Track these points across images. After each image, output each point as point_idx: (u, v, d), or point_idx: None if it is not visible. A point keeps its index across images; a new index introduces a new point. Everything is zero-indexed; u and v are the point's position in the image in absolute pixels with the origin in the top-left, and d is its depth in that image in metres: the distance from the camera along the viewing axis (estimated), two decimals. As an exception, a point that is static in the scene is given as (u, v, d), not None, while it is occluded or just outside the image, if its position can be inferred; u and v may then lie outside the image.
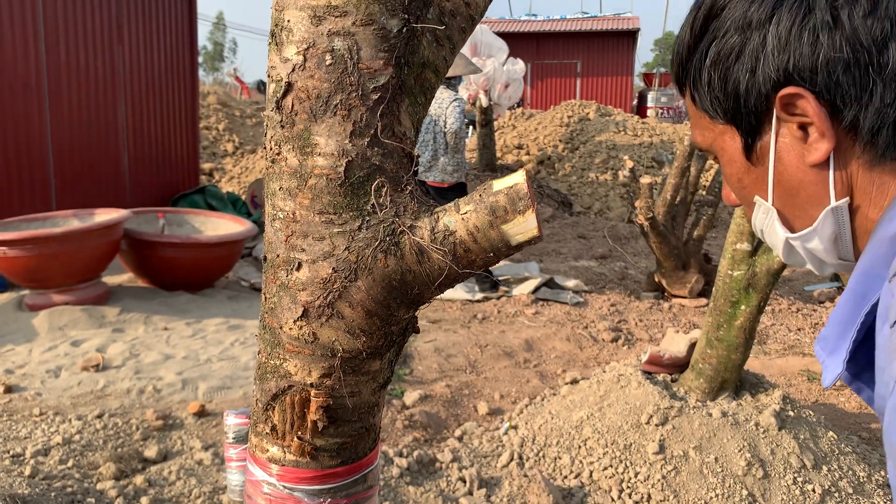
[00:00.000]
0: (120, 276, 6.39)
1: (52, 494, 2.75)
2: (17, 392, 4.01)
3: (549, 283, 6.89)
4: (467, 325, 5.94)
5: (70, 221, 5.68)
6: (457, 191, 6.52)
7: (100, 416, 3.63)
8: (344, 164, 0.83)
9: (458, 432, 3.89)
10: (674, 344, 4.00)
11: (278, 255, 0.86)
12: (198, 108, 10.41)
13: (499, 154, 13.23)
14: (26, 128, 6.80)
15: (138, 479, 3.02)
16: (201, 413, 3.87)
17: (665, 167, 10.53)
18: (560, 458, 3.49)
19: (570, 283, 7.03)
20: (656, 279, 7.06)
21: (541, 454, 3.54)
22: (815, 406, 4.60)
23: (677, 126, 15.53)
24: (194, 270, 5.89)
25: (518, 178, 0.83)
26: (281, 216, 0.85)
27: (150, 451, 3.32)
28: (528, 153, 13.46)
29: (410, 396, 4.26)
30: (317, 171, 0.83)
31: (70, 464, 3.11)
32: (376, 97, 0.83)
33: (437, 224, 0.83)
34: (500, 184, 0.83)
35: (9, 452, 3.18)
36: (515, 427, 3.82)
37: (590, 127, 14.00)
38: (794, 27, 0.75)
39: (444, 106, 6.44)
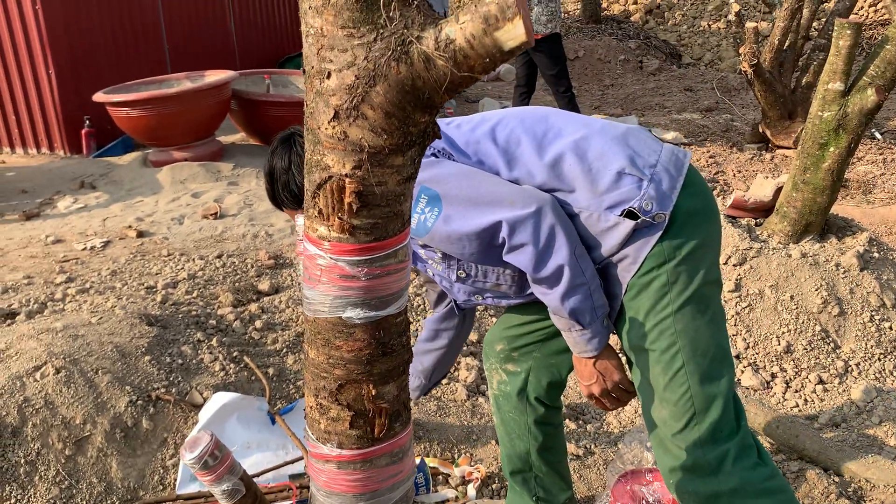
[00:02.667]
0: (233, 136, 6.81)
1: (180, 316, 3.18)
2: (148, 237, 4.50)
3: (647, 136, 6.81)
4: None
5: (183, 83, 6.06)
6: (551, 42, 6.43)
7: (219, 257, 4.05)
8: (358, -18, 0.97)
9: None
10: (761, 189, 4.00)
11: (312, 67, 1.03)
12: (298, -32, 10.46)
13: (605, 3, 12.69)
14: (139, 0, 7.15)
15: (253, 307, 3.43)
16: (307, 255, 4.24)
17: (776, 10, 9.85)
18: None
19: (668, 135, 6.92)
20: (761, 129, 6.85)
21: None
22: (915, 253, 4.51)
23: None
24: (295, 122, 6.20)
25: (507, -11, 0.95)
26: (312, 32, 1.01)
27: (263, 285, 3.72)
28: (635, 2, 12.82)
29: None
30: (336, -11, 0.98)
31: (195, 294, 3.55)
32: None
33: (440, 34, 0.97)
34: (492, -6, 0.96)
35: (143, 285, 3.65)
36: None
37: (704, -29, 13.10)
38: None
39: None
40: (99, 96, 5.65)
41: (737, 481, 1.61)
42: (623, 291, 1.66)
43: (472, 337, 3.36)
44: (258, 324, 3.25)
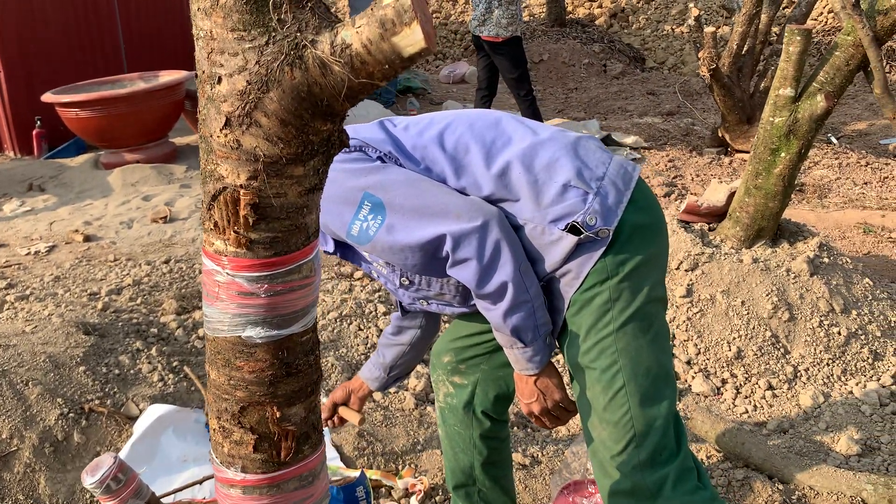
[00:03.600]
0: (187, 137, 6.68)
1: (120, 324, 3.09)
2: (95, 241, 4.39)
3: (607, 140, 6.83)
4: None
5: (136, 83, 5.93)
6: (511, 45, 6.41)
7: (167, 262, 3.96)
8: (244, -18, 0.92)
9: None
10: (715, 194, 4.00)
11: (203, 71, 0.97)
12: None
13: (569, 7, 12.73)
14: (93, -6, 6.99)
15: (197, 314, 3.34)
16: (258, 260, 4.16)
17: (735, 15, 9.96)
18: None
19: (629, 139, 6.94)
20: (720, 134, 6.89)
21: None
22: (867, 258, 4.55)
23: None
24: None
25: (404, -8, 0.90)
26: (202, 35, 0.96)
27: (210, 292, 3.63)
28: (600, 6, 12.89)
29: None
30: (223, -11, 0.92)
31: (139, 301, 3.45)
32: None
33: (335, 38, 0.92)
34: (388, -3, 0.91)
35: (86, 291, 3.55)
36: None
37: (668, -25, 13.21)
38: None
39: (498, -46, 6.22)
40: (48, 97, 5.51)
41: None
42: (566, 307, 1.62)
43: (423, 344, 3.31)
44: (202, 332, 3.16)
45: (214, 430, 1.16)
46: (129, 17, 7.45)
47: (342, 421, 2.22)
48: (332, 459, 2.55)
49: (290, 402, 1.13)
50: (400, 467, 2.58)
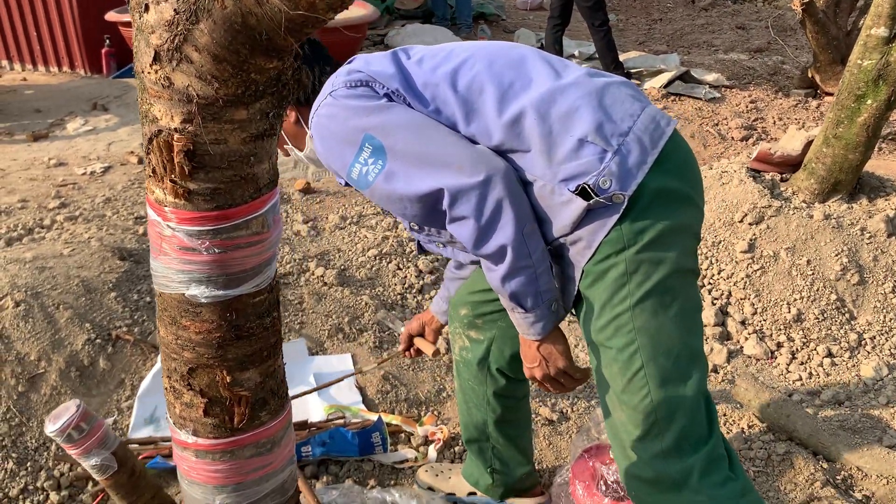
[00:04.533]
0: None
1: (158, 251, 3.09)
2: (149, 164, 4.40)
3: (685, 77, 6.43)
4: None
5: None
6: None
7: (215, 188, 3.93)
8: None
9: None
10: (790, 142, 3.69)
11: (132, -2, 0.85)
12: None
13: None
14: None
15: (237, 244, 3.31)
16: (307, 190, 4.10)
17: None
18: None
19: (710, 76, 6.51)
20: (810, 74, 6.39)
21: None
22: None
23: None
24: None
25: None
26: (126, -46, 0.84)
27: (254, 221, 3.60)
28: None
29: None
30: None
31: (182, 227, 3.44)
32: None
33: (271, -39, 0.78)
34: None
35: (133, 215, 3.56)
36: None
37: None
38: None
39: None
40: (111, 15, 5.51)
41: (704, 499, 1.41)
42: (578, 277, 1.46)
43: (462, 286, 3.20)
44: (239, 262, 3.14)
45: (166, 388, 1.08)
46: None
47: (418, 352, 2.17)
48: (355, 402, 2.50)
49: (243, 366, 1.04)
50: (422, 414, 2.52)
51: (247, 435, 1.07)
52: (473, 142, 1.45)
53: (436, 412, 2.52)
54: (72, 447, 1.20)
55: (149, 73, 0.86)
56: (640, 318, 1.40)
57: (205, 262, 0.95)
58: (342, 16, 6.33)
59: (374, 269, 3.25)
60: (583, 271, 1.44)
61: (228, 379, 1.03)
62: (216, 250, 0.94)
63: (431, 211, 1.45)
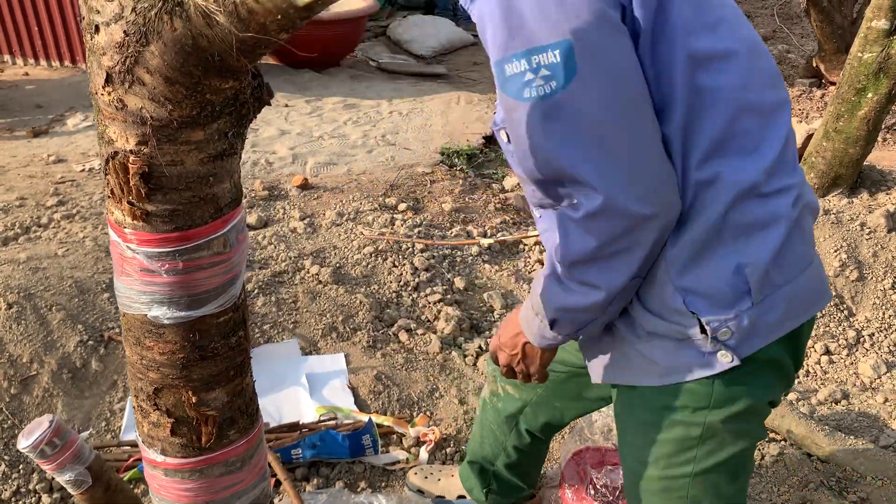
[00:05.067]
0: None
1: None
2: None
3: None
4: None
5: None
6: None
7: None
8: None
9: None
10: (791, 135, 3.65)
11: (83, 18, 0.84)
12: None
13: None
14: None
15: (232, 242, 3.31)
16: (304, 186, 4.08)
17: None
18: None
19: (713, 66, 6.44)
20: (815, 63, 6.33)
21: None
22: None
23: None
24: (316, 48, 5.95)
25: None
26: (76, -26, 0.82)
27: (251, 218, 3.59)
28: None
29: (510, 181, 4.25)
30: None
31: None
32: None
33: (219, -17, 0.76)
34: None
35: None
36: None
37: None
38: None
39: None
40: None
41: None
42: (621, 370, 1.26)
43: (460, 284, 3.18)
44: (233, 261, 3.13)
45: (134, 408, 1.08)
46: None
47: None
48: (347, 403, 2.50)
49: (209, 386, 1.03)
50: (414, 414, 2.51)
51: (216, 454, 1.06)
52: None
53: (428, 412, 2.51)
54: (45, 462, 1.20)
55: (102, 94, 0.85)
56: (698, 489, 1.25)
57: (166, 283, 0.94)
58: (341, 8, 6.30)
59: (369, 266, 3.24)
60: (639, 387, 1.25)
61: (194, 399, 1.02)
62: (177, 272, 0.93)
63: (557, 185, 1.11)
